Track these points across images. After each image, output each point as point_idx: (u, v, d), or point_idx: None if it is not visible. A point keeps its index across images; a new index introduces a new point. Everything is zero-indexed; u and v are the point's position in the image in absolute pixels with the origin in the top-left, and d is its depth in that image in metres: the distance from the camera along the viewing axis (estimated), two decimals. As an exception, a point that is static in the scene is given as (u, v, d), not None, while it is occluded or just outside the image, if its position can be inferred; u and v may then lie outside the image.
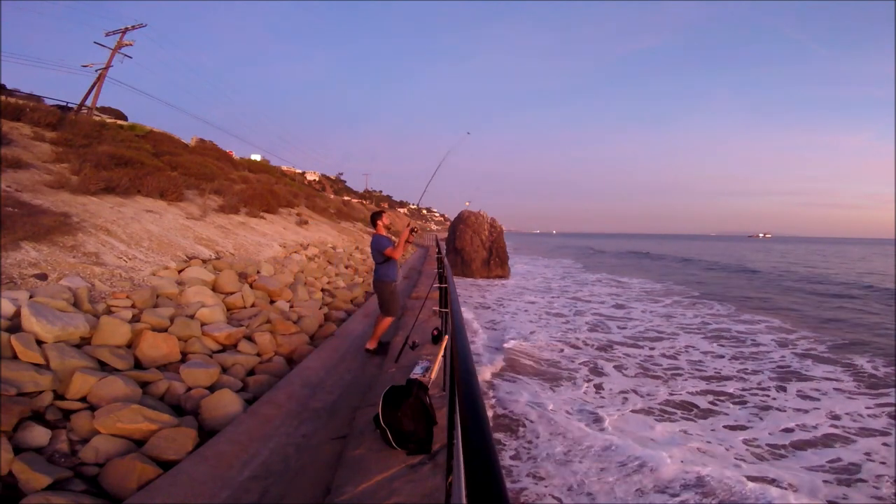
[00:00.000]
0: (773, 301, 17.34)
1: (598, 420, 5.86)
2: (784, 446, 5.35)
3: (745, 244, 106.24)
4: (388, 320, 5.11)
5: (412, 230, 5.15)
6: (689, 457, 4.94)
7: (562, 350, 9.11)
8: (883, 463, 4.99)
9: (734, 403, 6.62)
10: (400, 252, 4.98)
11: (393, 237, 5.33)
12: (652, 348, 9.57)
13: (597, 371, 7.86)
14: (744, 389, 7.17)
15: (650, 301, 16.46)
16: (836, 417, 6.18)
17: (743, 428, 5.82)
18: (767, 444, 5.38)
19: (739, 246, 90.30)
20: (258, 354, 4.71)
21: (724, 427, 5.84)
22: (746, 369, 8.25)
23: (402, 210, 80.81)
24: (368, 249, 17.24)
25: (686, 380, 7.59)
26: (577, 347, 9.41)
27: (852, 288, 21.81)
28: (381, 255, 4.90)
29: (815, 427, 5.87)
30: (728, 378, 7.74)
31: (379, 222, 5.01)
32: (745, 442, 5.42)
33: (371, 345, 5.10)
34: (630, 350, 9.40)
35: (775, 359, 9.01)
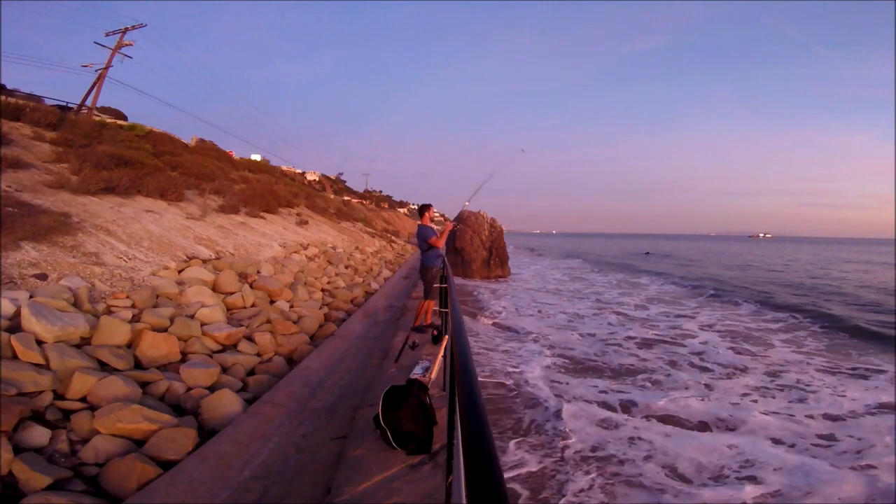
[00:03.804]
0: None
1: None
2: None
3: (722, 244, 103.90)
4: (430, 303, 5.56)
5: (455, 226, 5.74)
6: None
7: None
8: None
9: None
10: (442, 242, 5.56)
11: (437, 227, 5.84)
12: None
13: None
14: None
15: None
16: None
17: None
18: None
19: (707, 245, 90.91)
20: (258, 354, 4.71)
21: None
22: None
23: (402, 210, 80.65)
24: (368, 249, 17.31)
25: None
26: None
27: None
28: (426, 244, 5.40)
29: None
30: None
31: (426, 214, 5.56)
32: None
33: (416, 322, 5.64)
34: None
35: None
